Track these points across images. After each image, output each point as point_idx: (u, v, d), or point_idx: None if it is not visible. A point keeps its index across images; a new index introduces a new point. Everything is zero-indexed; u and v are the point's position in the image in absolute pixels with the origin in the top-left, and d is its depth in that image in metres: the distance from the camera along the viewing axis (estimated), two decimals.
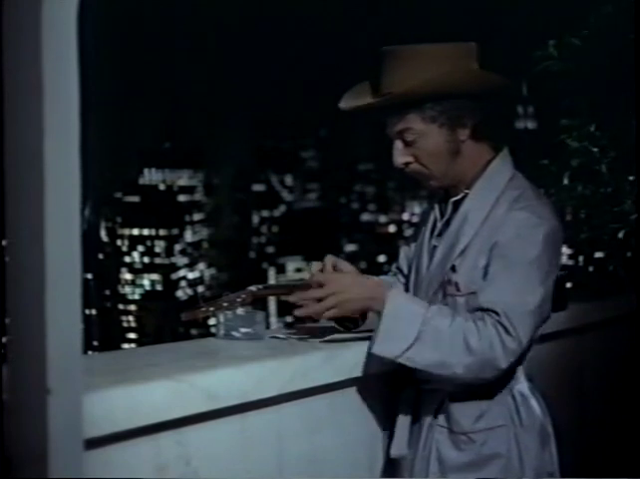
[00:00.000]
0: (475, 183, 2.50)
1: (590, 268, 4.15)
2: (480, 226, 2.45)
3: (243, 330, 2.56)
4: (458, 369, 2.32)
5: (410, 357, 2.33)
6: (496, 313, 2.32)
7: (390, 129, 2.48)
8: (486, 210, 2.46)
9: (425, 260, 2.57)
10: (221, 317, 2.59)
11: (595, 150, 3.88)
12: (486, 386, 2.42)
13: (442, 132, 2.44)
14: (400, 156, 2.48)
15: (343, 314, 2.46)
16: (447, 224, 2.54)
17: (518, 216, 2.40)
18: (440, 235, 2.55)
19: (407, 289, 2.65)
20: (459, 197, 2.52)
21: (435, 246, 2.55)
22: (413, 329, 2.32)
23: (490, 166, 2.50)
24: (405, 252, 2.74)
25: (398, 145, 2.48)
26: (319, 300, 2.39)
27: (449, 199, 2.56)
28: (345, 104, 2.53)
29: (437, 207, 2.60)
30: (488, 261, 2.39)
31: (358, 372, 2.52)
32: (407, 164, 2.49)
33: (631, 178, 3.78)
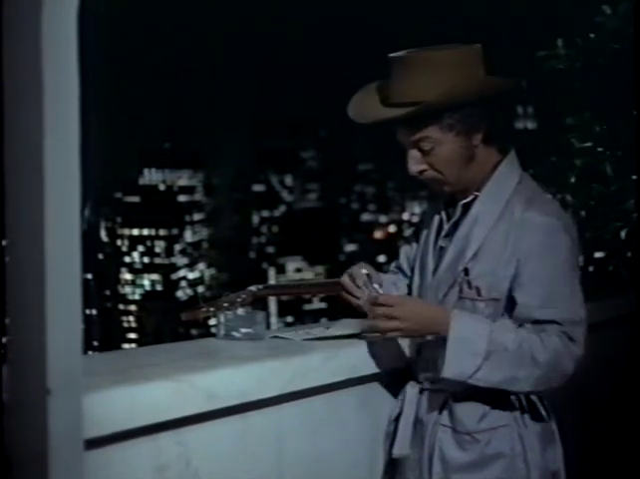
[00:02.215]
0: (484, 185, 2.50)
1: (590, 268, 4.14)
2: (491, 228, 2.45)
3: (243, 330, 2.56)
4: (527, 384, 2.36)
5: (480, 378, 2.36)
6: (558, 323, 2.36)
7: (404, 138, 2.46)
8: (497, 212, 2.46)
9: (430, 262, 2.56)
10: (221, 317, 2.59)
11: (600, 149, 3.87)
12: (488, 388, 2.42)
13: (457, 139, 2.44)
14: (416, 164, 2.47)
15: (404, 338, 2.52)
16: (455, 225, 2.54)
17: (539, 220, 2.41)
18: (447, 236, 2.55)
19: (410, 290, 2.64)
20: (468, 199, 2.52)
21: (442, 248, 2.54)
22: (480, 350, 2.35)
23: (499, 168, 2.50)
24: (405, 252, 2.73)
25: (413, 153, 2.46)
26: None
27: (455, 200, 2.55)
28: (355, 114, 2.51)
29: (443, 208, 2.59)
30: (518, 271, 2.40)
31: (358, 372, 2.53)
32: (422, 172, 2.48)
33: (634, 177, 3.77)
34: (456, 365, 2.35)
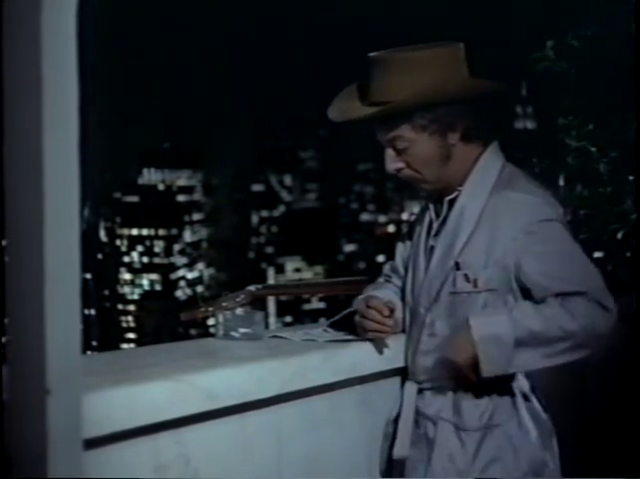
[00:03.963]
0: (467, 178, 2.51)
1: None
2: (477, 219, 2.46)
3: (242, 330, 2.56)
4: (564, 356, 2.37)
5: (517, 366, 2.38)
6: (583, 293, 2.36)
7: (380, 136, 2.51)
8: (482, 202, 2.47)
9: (422, 261, 2.57)
10: (220, 317, 2.59)
11: (594, 149, 3.87)
12: (488, 384, 2.42)
13: (432, 139, 2.46)
14: (392, 162, 2.51)
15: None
16: (443, 222, 2.54)
17: (522, 198, 2.42)
18: (436, 234, 2.55)
19: (404, 291, 2.64)
20: (453, 195, 2.53)
21: (432, 247, 2.55)
22: (508, 342, 2.35)
23: (481, 159, 2.52)
24: (400, 253, 2.73)
25: (389, 152, 2.50)
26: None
27: (443, 198, 2.56)
28: (334, 114, 2.55)
29: (432, 207, 2.60)
30: (520, 253, 2.39)
31: (357, 372, 2.53)
32: (399, 169, 2.51)
33: (631, 177, 3.77)
34: (491, 364, 2.36)
